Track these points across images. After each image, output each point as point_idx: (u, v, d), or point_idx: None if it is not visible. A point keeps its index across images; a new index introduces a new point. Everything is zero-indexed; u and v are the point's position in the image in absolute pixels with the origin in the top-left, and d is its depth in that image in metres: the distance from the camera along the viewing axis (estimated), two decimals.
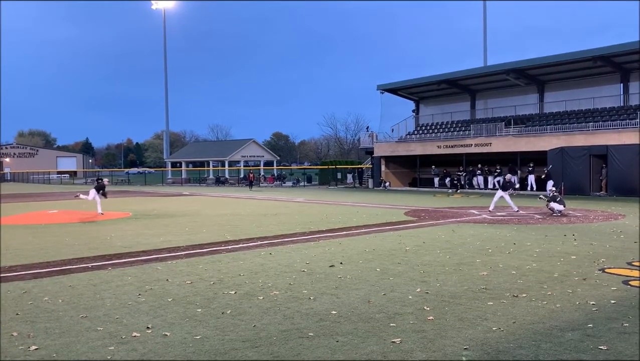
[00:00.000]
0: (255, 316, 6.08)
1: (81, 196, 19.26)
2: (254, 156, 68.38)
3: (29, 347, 5.09)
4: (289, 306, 6.53)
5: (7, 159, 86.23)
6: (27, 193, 40.54)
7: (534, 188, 32.42)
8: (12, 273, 8.73)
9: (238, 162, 65.77)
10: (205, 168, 65.14)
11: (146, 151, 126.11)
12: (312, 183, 52.95)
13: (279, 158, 75.35)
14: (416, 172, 41.99)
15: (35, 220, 17.76)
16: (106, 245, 11.80)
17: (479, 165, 37.22)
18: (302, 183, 52.05)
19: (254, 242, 12.11)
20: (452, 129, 40.82)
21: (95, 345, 5.14)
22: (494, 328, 5.54)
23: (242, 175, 58.44)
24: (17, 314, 6.30)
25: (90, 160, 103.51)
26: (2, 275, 8.62)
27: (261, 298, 6.95)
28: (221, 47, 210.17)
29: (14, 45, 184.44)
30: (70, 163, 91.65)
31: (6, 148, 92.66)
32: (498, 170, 34.83)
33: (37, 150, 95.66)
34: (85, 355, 4.90)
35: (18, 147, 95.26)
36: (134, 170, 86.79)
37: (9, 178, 74.11)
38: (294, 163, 74.16)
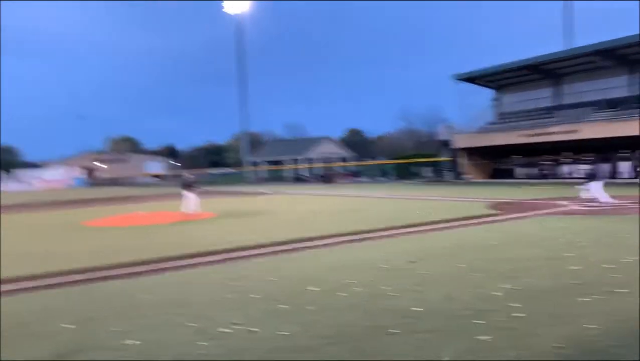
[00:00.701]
0: (338, 313, 6.12)
1: (190, 209, 19.06)
2: (330, 153, 68.85)
3: (125, 342, 5.43)
4: (372, 302, 6.52)
5: (101, 165, 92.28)
6: (119, 196, 43.13)
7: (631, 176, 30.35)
8: (109, 272, 9.31)
9: (315, 159, 66.49)
10: (283, 166, 66.40)
11: (227, 152, 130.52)
12: (389, 178, 52.55)
13: (354, 154, 75.37)
14: (497, 162, 40.53)
15: (128, 222, 18.89)
16: (194, 244, 12.28)
17: (566, 154, 35.33)
18: (378, 179, 51.78)
19: (334, 239, 12.18)
20: (534, 117, 39.04)
21: (187, 340, 5.39)
22: (589, 326, 5.24)
23: (318, 173, 59.03)
24: (114, 311, 6.73)
25: (175, 163, 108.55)
26: (100, 273, 9.23)
27: (343, 294, 6.98)
28: (295, 45, 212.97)
29: (98, 57, 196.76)
30: (157, 166, 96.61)
31: (99, 155, 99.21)
32: (587, 158, 32.90)
33: (127, 156, 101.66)
34: (177, 349, 5.16)
35: (110, 154, 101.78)
36: (216, 170, 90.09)
37: (102, 183, 79.21)
38: (370, 158, 73.86)
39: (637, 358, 4.47)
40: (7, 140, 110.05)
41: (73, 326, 6.08)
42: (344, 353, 4.83)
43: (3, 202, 34.95)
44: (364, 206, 21.45)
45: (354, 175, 56.89)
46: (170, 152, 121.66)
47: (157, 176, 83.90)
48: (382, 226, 14.09)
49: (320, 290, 7.28)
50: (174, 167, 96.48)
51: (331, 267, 8.92)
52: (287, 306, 6.49)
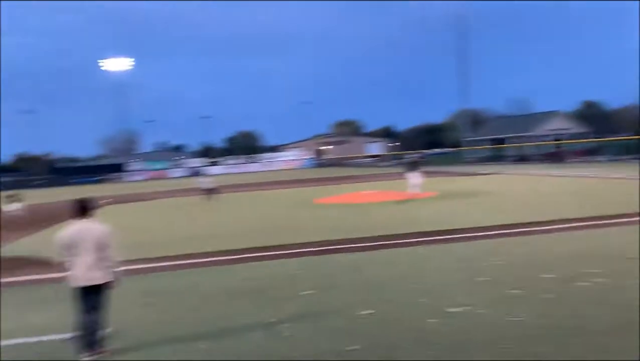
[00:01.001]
0: (579, 304, 5.66)
1: (414, 189, 19.49)
2: (560, 129, 62.81)
3: (361, 311, 5.81)
4: (619, 295, 5.87)
5: (327, 147, 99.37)
6: (344, 176, 45.96)
7: None
8: (342, 246, 10.02)
9: (542, 136, 61.43)
10: (506, 145, 62.84)
11: (444, 131, 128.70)
12: (635, 156, 45.81)
13: (590, 129, 67.53)
14: None
15: (353, 200, 20.05)
16: (420, 223, 12.42)
17: None
18: (621, 157, 45.59)
19: (564, 224, 11.17)
20: None
21: (417, 315, 5.58)
22: None
23: (546, 151, 54.43)
24: (349, 281, 7.24)
25: (392, 144, 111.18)
26: (333, 246, 9.98)
27: (584, 284, 6.40)
28: (519, 12, 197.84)
29: (322, 47, 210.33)
30: (376, 147, 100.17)
31: (326, 138, 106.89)
32: None
33: (350, 138, 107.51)
34: (409, 323, 5.36)
35: (335, 136, 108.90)
36: (434, 150, 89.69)
37: (328, 163, 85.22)
38: (610, 133, 65.20)
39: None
40: (253, 127, 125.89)
41: (311, 292, 6.74)
42: (588, 346, 4.45)
43: (246, 180, 40.17)
44: (602, 188, 19.17)
45: (590, 153, 51.01)
46: (387, 133, 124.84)
47: (376, 156, 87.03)
48: (627, 211, 12.38)
49: (557, 277, 6.77)
50: (391, 148, 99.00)
51: (568, 254, 8.22)
52: (518, 292, 6.21)
